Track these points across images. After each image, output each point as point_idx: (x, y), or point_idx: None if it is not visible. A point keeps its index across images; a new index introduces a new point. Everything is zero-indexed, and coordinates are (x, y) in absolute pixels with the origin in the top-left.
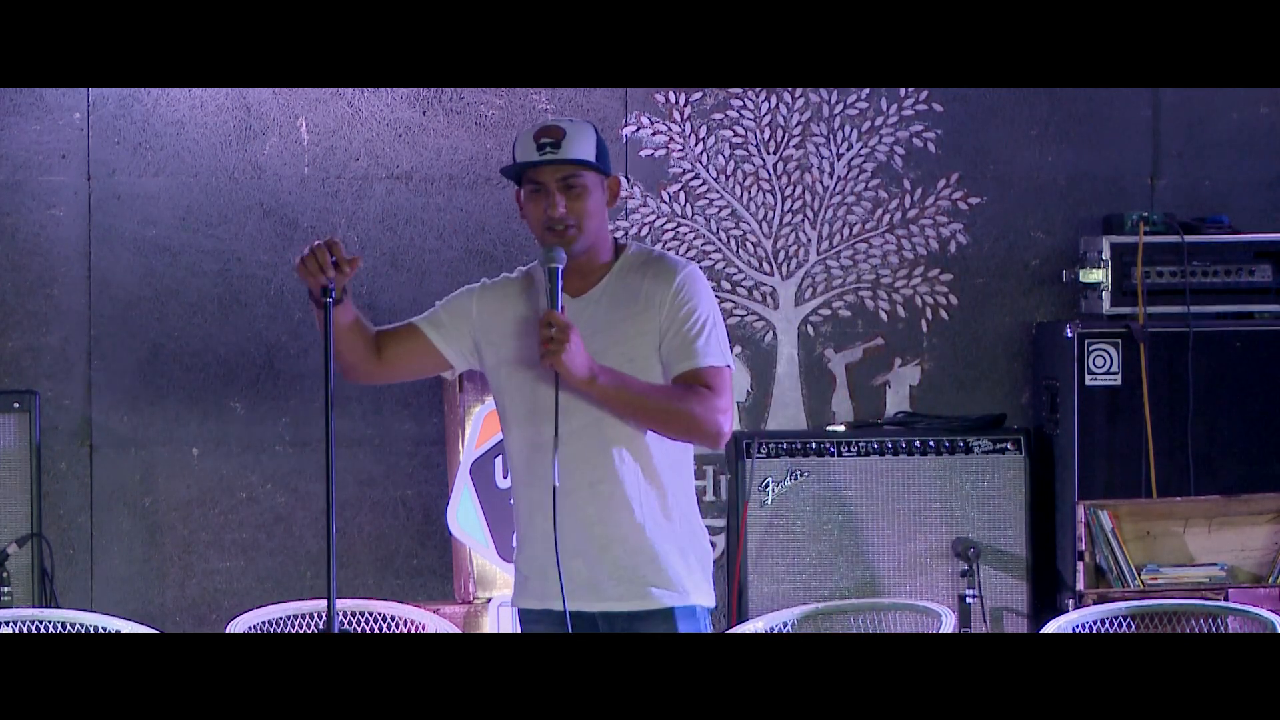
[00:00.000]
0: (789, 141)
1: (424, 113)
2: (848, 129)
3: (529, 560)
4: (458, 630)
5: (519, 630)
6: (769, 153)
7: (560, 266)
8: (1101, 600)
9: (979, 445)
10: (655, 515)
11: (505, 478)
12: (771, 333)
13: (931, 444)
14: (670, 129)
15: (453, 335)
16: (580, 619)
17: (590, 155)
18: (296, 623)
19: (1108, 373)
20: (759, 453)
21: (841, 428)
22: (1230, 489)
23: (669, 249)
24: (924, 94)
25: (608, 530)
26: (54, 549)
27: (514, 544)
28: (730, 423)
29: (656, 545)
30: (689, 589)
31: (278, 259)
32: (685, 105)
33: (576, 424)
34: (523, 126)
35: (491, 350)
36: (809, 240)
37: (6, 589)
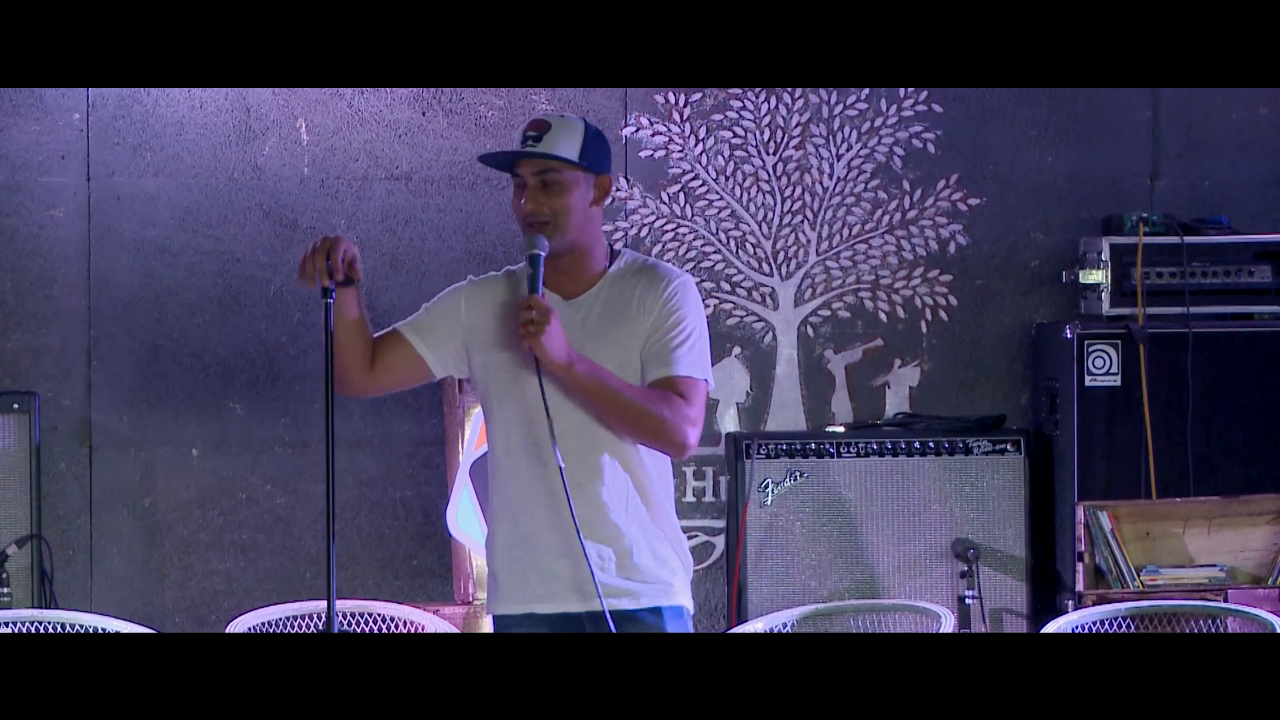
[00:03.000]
0: (789, 142)
1: (424, 113)
2: (847, 129)
3: (508, 563)
4: (457, 631)
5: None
6: (768, 153)
7: (542, 253)
8: (1101, 601)
9: (979, 446)
10: (643, 518)
11: None
12: (771, 333)
13: (931, 445)
14: (670, 129)
15: (438, 339)
16: (567, 620)
17: (572, 153)
18: (296, 623)
19: (1107, 373)
20: (758, 454)
21: (841, 429)
22: (1230, 489)
23: (668, 250)
24: (924, 94)
25: (596, 531)
26: (53, 550)
27: (485, 549)
28: (698, 436)
29: (644, 545)
30: (676, 589)
31: (278, 259)
32: (685, 106)
33: (566, 425)
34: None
35: (480, 348)
36: (808, 241)
37: (6, 590)
